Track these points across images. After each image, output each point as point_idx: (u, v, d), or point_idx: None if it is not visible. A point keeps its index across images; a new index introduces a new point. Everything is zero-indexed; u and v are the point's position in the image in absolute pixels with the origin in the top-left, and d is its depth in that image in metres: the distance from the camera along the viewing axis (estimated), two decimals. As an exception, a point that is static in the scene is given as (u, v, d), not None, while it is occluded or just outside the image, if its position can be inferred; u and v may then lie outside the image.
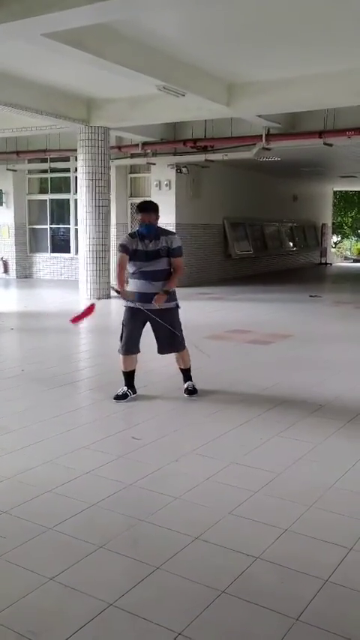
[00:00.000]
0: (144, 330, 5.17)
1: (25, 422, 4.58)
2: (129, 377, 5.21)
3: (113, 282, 5.12)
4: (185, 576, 2.57)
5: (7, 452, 3.96)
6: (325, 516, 3.13)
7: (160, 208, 5.11)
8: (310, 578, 2.55)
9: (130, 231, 5.39)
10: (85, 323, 9.86)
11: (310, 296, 13.09)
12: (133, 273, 5.10)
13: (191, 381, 5.35)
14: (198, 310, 10.72)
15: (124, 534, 2.93)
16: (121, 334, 5.14)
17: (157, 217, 5.07)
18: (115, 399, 5.11)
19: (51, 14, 6.09)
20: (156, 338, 5.17)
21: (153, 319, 5.03)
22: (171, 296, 5.08)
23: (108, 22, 7.03)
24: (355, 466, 3.76)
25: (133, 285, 5.10)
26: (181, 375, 5.39)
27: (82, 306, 5.14)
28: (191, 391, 5.28)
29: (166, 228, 5.31)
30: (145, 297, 5.01)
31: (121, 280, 5.09)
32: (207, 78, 9.62)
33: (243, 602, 2.39)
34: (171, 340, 5.14)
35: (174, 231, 5.23)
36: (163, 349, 5.21)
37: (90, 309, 5.17)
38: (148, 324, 5.13)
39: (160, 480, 3.57)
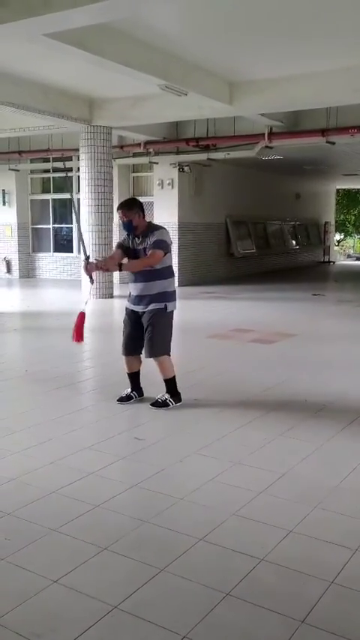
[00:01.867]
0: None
1: (29, 422, 4.58)
2: (133, 378, 5.11)
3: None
4: (190, 578, 2.56)
5: (11, 453, 3.96)
6: (330, 517, 3.11)
7: (158, 210, 4.96)
8: (316, 580, 2.54)
9: None
10: (88, 323, 9.87)
11: (313, 294, 13.07)
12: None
13: (170, 393, 4.93)
14: (200, 309, 10.72)
15: (128, 536, 2.92)
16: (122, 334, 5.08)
17: (136, 213, 4.77)
18: (118, 400, 5.03)
19: (53, 14, 6.07)
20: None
21: (141, 320, 4.90)
22: (160, 297, 4.82)
23: (109, 22, 7.01)
24: (359, 466, 3.74)
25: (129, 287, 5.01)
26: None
27: (73, 321, 5.02)
28: (157, 403, 4.88)
29: (157, 224, 5.01)
30: (131, 299, 4.94)
31: (102, 263, 4.93)
32: (209, 76, 9.61)
33: (248, 605, 2.38)
34: (148, 342, 4.84)
35: (162, 226, 4.97)
36: (145, 351, 4.92)
37: (80, 318, 4.98)
38: None
39: (163, 480, 3.56)
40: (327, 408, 4.97)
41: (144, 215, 4.89)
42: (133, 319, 4.96)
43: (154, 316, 4.83)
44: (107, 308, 11.27)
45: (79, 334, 4.96)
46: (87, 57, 7.75)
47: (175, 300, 4.98)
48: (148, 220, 4.98)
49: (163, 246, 4.78)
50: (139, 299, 4.88)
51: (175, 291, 5.01)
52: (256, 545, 2.82)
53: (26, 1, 6.15)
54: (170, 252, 4.90)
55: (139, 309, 4.90)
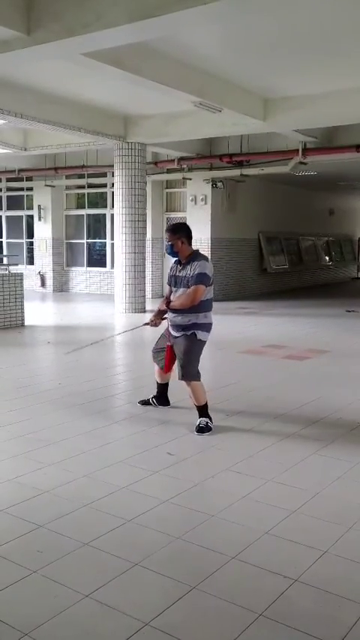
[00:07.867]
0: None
1: (62, 435, 4.61)
2: (159, 387, 5.31)
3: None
4: (222, 597, 2.53)
5: (44, 465, 3.98)
6: (366, 538, 3.04)
7: (191, 226, 4.90)
8: (352, 604, 2.48)
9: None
10: (120, 338, 9.92)
11: (347, 311, 12.91)
12: None
13: (206, 417, 4.78)
14: (233, 325, 10.68)
15: (159, 552, 2.90)
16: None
17: (179, 238, 4.74)
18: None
19: (90, 34, 6.18)
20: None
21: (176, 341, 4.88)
22: (192, 327, 4.75)
23: (146, 41, 7.11)
24: None
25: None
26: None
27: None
28: (202, 428, 4.68)
29: (202, 253, 4.93)
30: (170, 324, 4.94)
31: (157, 314, 5.12)
32: (243, 93, 9.65)
33: (281, 626, 2.34)
34: (179, 368, 4.82)
35: (207, 255, 4.99)
36: (177, 372, 4.89)
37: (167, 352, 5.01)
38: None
39: (195, 497, 3.54)
40: (362, 427, 4.88)
41: (190, 242, 4.82)
42: (166, 338, 5.03)
43: (184, 343, 4.78)
44: (139, 322, 11.30)
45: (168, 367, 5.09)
46: (123, 75, 7.86)
47: (208, 331, 4.85)
48: (195, 248, 4.90)
49: (205, 280, 4.67)
50: (174, 327, 4.87)
51: (210, 323, 4.86)
52: (290, 565, 2.77)
53: (65, 21, 6.28)
54: (211, 284, 4.77)
55: (174, 333, 4.91)
